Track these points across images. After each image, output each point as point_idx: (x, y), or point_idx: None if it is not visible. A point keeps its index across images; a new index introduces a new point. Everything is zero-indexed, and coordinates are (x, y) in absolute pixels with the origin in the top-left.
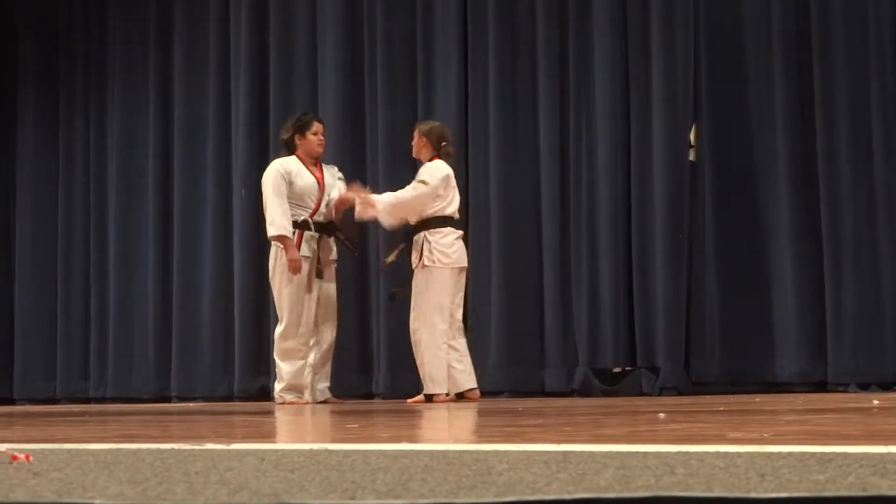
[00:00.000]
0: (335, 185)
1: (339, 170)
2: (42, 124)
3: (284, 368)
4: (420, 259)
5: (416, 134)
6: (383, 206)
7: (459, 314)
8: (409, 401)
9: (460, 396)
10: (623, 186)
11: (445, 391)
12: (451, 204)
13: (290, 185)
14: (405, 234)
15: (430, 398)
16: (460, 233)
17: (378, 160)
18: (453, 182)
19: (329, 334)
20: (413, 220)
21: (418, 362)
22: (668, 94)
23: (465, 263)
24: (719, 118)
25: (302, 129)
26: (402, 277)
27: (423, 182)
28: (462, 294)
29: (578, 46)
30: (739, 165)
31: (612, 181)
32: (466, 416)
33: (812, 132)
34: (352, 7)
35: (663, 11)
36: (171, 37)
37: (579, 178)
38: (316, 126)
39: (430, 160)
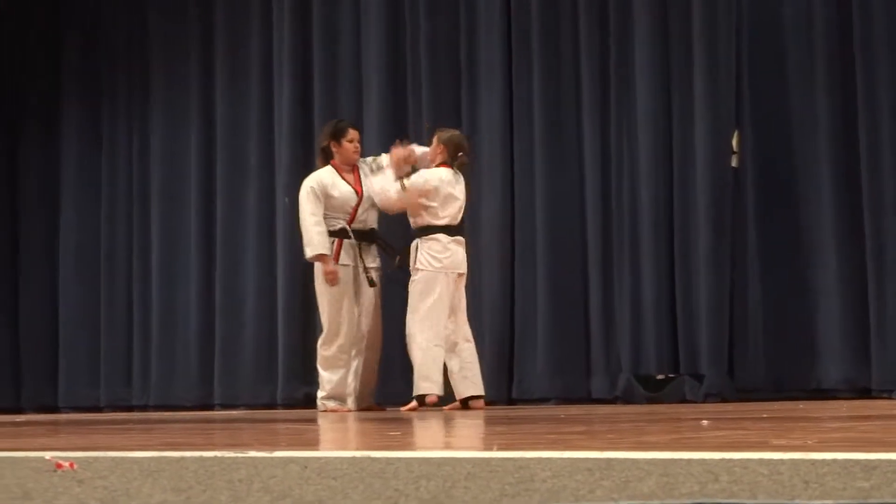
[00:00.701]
0: (377, 176)
1: (373, 159)
2: (85, 131)
3: (326, 377)
4: (414, 264)
5: (434, 140)
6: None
7: (461, 320)
8: (402, 409)
9: (465, 404)
10: (665, 193)
11: (439, 392)
12: (445, 211)
13: (327, 198)
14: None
15: (421, 400)
16: (456, 238)
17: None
18: (450, 190)
19: (373, 342)
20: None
21: (413, 364)
22: (710, 101)
23: (460, 269)
24: (761, 124)
25: (337, 136)
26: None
27: (405, 188)
28: (463, 299)
29: (620, 53)
30: (782, 171)
31: (655, 188)
32: (508, 423)
33: (855, 136)
34: (395, 14)
35: (705, 17)
36: (213, 43)
37: (621, 185)
38: (351, 133)
39: (438, 166)
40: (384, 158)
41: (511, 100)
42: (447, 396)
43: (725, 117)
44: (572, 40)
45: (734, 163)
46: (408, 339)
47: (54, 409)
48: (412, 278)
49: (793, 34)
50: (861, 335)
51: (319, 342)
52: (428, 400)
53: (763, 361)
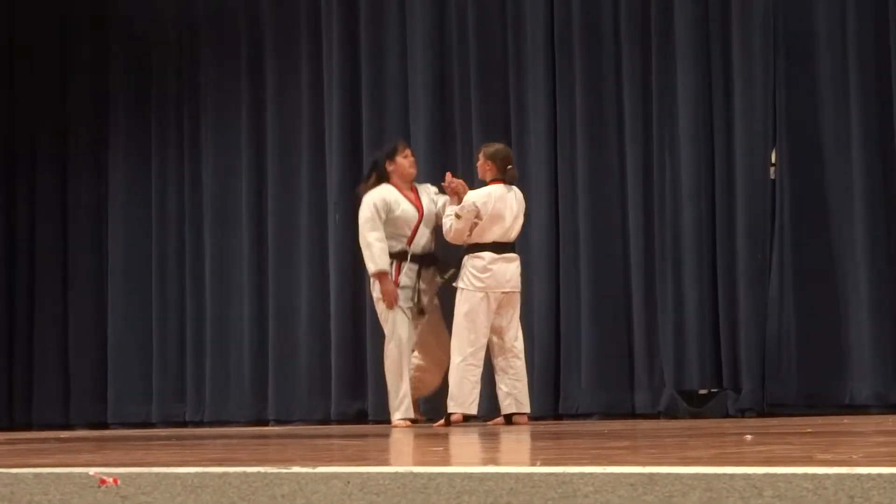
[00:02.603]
0: (434, 203)
1: (437, 191)
2: (134, 151)
3: (390, 389)
4: (458, 282)
5: (480, 156)
6: (450, 220)
7: (509, 337)
8: (434, 425)
9: (508, 419)
10: (707, 209)
11: (464, 412)
12: (492, 228)
13: (389, 215)
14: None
15: (448, 419)
16: (505, 256)
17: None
18: (499, 207)
19: (437, 356)
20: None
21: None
22: (747, 117)
23: (505, 288)
24: (796, 139)
25: (392, 153)
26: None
27: (457, 216)
28: (514, 317)
29: (662, 71)
30: (816, 185)
31: (696, 204)
32: (551, 438)
33: (891, 150)
34: (441, 34)
35: (743, 35)
36: (263, 63)
37: (664, 201)
38: (404, 149)
39: (490, 182)
40: (441, 199)
41: (555, 117)
42: (493, 412)
43: (762, 133)
44: (614, 59)
45: (772, 174)
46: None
47: (104, 426)
48: (457, 297)
49: (827, 50)
50: (894, 350)
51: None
52: (452, 419)
53: (796, 376)
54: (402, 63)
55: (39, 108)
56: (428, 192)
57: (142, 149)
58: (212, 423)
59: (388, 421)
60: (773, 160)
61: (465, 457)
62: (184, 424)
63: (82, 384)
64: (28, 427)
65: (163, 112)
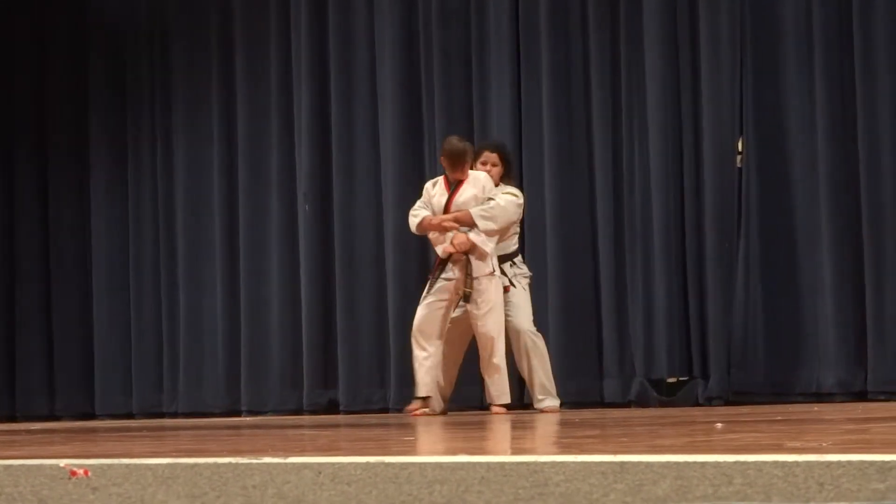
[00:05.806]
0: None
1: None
2: (111, 147)
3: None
4: (511, 284)
5: (496, 157)
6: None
7: None
8: (544, 411)
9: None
10: (675, 197)
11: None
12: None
13: (429, 201)
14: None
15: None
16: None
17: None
18: None
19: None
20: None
21: (542, 371)
22: (714, 108)
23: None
24: (762, 126)
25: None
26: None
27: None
28: None
29: (630, 61)
30: (780, 174)
31: (665, 192)
32: (523, 427)
33: (853, 139)
34: (408, 24)
35: (710, 21)
36: (233, 57)
37: (633, 189)
38: (479, 155)
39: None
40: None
41: (520, 106)
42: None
43: (729, 121)
44: (581, 48)
45: (739, 163)
46: (529, 348)
47: (92, 417)
48: (514, 288)
49: (793, 39)
50: (857, 338)
51: None
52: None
53: (762, 365)
54: (370, 52)
55: (20, 89)
56: (477, 184)
57: (119, 141)
58: (187, 414)
59: (359, 411)
60: (740, 149)
61: (437, 446)
62: (163, 415)
63: (69, 375)
64: (12, 419)
65: (138, 110)
